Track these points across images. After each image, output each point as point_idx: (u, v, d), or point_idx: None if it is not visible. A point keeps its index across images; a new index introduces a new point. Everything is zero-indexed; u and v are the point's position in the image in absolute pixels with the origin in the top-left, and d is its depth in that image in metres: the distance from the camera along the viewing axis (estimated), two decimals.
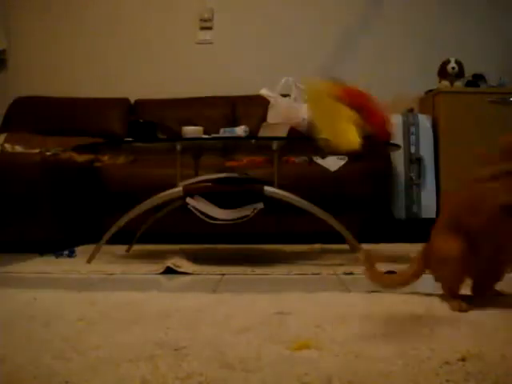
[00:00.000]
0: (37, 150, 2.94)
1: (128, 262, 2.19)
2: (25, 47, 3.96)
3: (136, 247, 2.63)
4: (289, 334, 1.00)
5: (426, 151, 3.42)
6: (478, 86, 3.59)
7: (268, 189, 2.07)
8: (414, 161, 3.41)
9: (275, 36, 3.93)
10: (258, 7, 3.95)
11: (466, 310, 1.18)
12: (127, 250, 2.59)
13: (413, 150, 3.41)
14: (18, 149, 3.06)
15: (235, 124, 3.22)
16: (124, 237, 2.44)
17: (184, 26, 3.95)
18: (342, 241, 2.19)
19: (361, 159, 3.07)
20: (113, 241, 2.22)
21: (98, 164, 3.17)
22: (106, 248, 2.27)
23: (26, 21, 3.96)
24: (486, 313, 1.15)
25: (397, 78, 3.84)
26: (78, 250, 2.50)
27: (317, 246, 2.77)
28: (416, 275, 1.36)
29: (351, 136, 1.27)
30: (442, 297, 1.30)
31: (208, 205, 2.08)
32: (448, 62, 3.54)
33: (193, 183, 2.14)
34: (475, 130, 3.41)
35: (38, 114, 3.67)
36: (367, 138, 1.37)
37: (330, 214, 2.11)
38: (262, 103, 2.55)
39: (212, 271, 1.92)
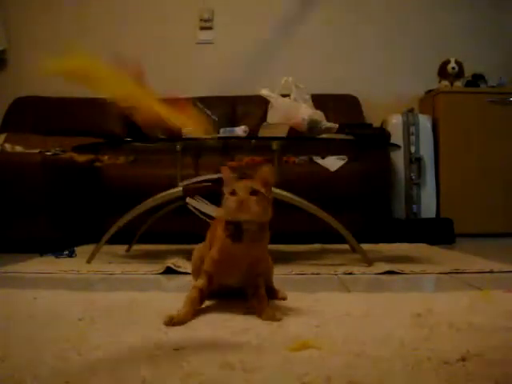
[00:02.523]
0: (37, 150, 2.94)
1: (128, 262, 2.19)
2: (25, 47, 3.96)
3: (136, 247, 2.63)
4: (289, 334, 1.00)
5: (426, 151, 3.42)
6: (478, 86, 3.59)
7: None
8: (414, 161, 3.41)
9: (275, 36, 3.93)
10: (258, 7, 3.95)
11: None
12: (127, 250, 2.59)
13: (413, 149, 3.41)
14: (18, 149, 3.06)
15: (235, 124, 3.22)
16: (124, 237, 2.44)
17: (184, 26, 3.95)
18: (342, 241, 2.18)
19: (361, 159, 3.07)
20: (113, 241, 2.22)
21: (98, 164, 3.17)
22: (106, 248, 2.26)
23: (26, 21, 3.96)
24: (486, 313, 1.15)
25: (397, 78, 3.85)
26: (78, 250, 2.50)
27: (317, 246, 2.78)
28: None
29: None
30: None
31: (208, 205, 2.08)
32: (448, 62, 3.55)
33: (193, 183, 2.14)
34: (475, 129, 3.41)
35: (38, 114, 3.68)
36: None
37: (330, 213, 2.11)
38: (261, 103, 2.55)
39: None
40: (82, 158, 3.09)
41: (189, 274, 1.90)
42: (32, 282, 1.80)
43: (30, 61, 3.87)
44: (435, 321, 1.09)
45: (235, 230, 1.14)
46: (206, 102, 3.70)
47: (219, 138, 2.26)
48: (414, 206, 3.38)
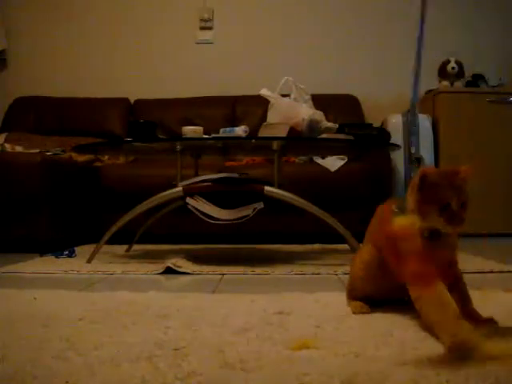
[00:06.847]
0: (37, 150, 2.94)
1: (128, 262, 2.20)
2: (25, 47, 3.96)
3: (136, 247, 2.63)
4: (289, 334, 1.00)
5: (426, 151, 3.42)
6: (478, 86, 3.59)
7: (268, 189, 2.07)
8: (414, 161, 3.41)
9: (275, 36, 3.93)
10: (258, 7, 3.96)
11: (365, 312, 1.18)
12: (127, 250, 2.59)
13: (413, 149, 3.41)
14: (18, 149, 3.06)
15: (235, 124, 3.22)
16: (124, 237, 2.44)
17: (184, 26, 3.95)
18: (342, 241, 2.18)
19: (361, 159, 3.07)
20: (113, 241, 2.22)
21: (97, 164, 3.17)
22: (105, 248, 2.26)
23: (26, 21, 3.96)
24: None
25: (397, 77, 3.84)
26: (78, 250, 2.50)
27: (317, 246, 2.78)
28: None
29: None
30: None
31: (208, 205, 2.08)
32: (448, 62, 3.55)
33: (193, 183, 2.14)
34: (475, 130, 3.41)
35: (38, 114, 3.68)
36: None
37: (330, 213, 2.11)
38: (262, 103, 2.55)
39: (212, 271, 1.92)
40: (81, 158, 3.09)
41: (188, 273, 1.90)
42: (32, 282, 1.80)
43: (30, 61, 3.93)
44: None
45: (433, 233, 1.08)
46: (206, 102, 3.72)
47: (219, 137, 2.26)
48: None
